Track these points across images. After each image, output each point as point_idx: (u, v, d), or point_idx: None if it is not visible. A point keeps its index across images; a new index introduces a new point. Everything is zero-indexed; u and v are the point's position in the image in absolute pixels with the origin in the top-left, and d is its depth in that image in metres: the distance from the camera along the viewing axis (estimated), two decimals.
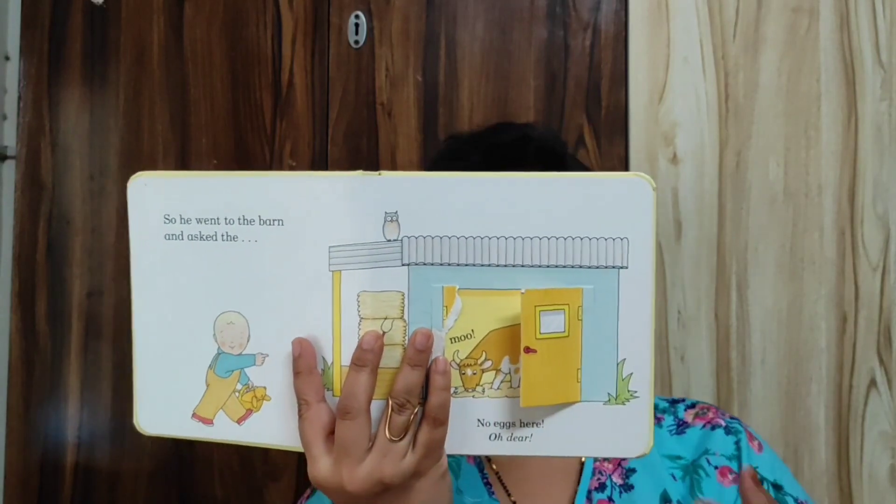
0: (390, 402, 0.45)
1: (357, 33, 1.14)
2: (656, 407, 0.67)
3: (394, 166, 1.12)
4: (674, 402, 0.73)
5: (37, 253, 1.20)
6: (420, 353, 0.45)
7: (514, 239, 0.46)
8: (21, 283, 1.19)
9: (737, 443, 0.68)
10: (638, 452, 0.47)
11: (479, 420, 0.47)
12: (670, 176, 1.08)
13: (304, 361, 0.46)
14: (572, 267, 0.46)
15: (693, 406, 0.71)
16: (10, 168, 1.26)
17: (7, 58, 1.29)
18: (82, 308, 1.18)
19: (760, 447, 0.70)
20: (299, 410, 0.47)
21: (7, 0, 1.28)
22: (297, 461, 1.13)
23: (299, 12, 1.16)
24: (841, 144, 1.05)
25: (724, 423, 0.69)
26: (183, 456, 1.15)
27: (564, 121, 1.10)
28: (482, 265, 0.46)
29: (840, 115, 1.05)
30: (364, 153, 1.14)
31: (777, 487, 0.68)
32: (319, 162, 1.14)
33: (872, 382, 1.03)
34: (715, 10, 1.08)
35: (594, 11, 1.10)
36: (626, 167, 1.08)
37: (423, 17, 1.13)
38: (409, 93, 1.13)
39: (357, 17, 1.14)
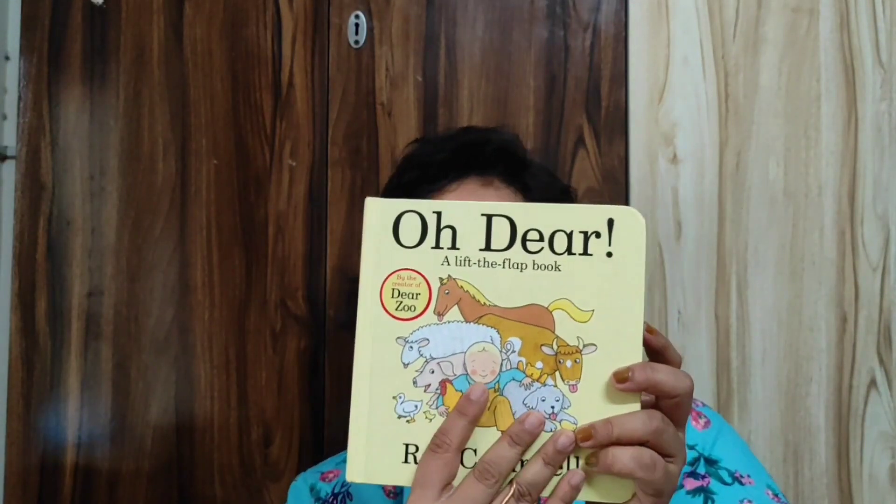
0: (514, 487, 0.46)
1: (357, 33, 1.14)
2: None
3: (394, 166, 1.11)
4: None
5: (37, 253, 1.19)
6: (559, 454, 0.46)
7: None
8: (21, 283, 1.19)
9: None
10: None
11: None
12: (670, 176, 1.07)
13: (480, 409, 0.46)
14: None
15: None
16: (10, 168, 1.26)
17: (7, 58, 1.29)
18: (82, 308, 1.18)
19: (707, 424, 0.69)
20: (436, 447, 0.46)
21: (7, 0, 1.28)
22: (297, 462, 1.13)
23: (299, 12, 1.16)
24: (841, 144, 1.05)
25: None
26: (183, 456, 1.15)
27: (564, 121, 1.10)
28: None
29: (840, 115, 1.05)
30: (364, 153, 1.14)
31: (710, 462, 0.67)
32: (319, 162, 1.14)
33: (872, 382, 1.03)
34: (715, 10, 1.08)
35: (594, 12, 1.10)
36: (626, 167, 1.08)
37: (423, 17, 1.13)
38: (409, 93, 1.13)
39: (357, 17, 1.14)
